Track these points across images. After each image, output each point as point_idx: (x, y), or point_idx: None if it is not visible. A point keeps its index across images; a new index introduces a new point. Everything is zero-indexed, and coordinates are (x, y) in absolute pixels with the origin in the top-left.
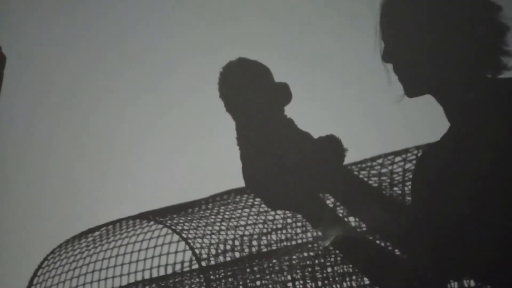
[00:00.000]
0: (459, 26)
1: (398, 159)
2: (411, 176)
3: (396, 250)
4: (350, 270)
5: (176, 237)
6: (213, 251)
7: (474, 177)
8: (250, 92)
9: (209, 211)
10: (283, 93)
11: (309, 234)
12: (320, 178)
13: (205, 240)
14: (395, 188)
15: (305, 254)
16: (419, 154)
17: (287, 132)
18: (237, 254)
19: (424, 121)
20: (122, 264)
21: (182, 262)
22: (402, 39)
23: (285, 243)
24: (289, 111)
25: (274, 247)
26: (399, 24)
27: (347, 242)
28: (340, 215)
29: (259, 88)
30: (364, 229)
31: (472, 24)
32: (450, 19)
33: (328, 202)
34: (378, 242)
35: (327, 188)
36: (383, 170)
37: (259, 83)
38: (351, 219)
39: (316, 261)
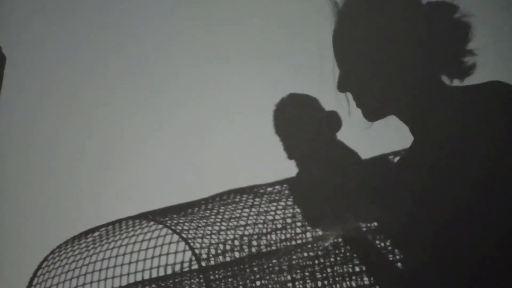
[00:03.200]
0: (414, 39)
1: (398, 159)
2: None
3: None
4: (350, 270)
5: (176, 237)
6: (213, 251)
7: (467, 179)
8: (304, 126)
9: (209, 211)
10: (333, 121)
11: (309, 234)
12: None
13: (205, 240)
14: None
15: (305, 254)
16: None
17: (343, 157)
18: (237, 254)
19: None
20: (122, 265)
21: (182, 263)
22: (359, 63)
23: (285, 243)
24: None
25: (274, 247)
26: (350, 49)
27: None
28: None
29: (311, 120)
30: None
31: (429, 31)
32: (403, 34)
33: None
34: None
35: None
36: None
37: (311, 115)
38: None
39: (316, 261)
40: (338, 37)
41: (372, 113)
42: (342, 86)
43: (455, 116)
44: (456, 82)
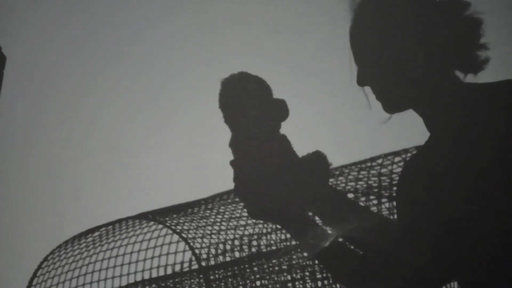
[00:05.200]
0: (431, 33)
1: (397, 159)
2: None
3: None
4: None
5: (176, 237)
6: (213, 251)
7: (469, 178)
8: (249, 107)
9: (209, 211)
10: (280, 110)
11: None
12: (309, 193)
13: (205, 240)
14: (395, 188)
15: (305, 254)
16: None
17: (280, 147)
18: (237, 254)
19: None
20: (122, 265)
21: (182, 263)
22: (376, 58)
23: (285, 243)
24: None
25: (274, 247)
26: (371, 43)
27: (327, 253)
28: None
29: (257, 104)
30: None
31: (443, 27)
32: (420, 28)
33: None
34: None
35: (314, 202)
36: (383, 170)
37: (258, 98)
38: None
39: (316, 261)
40: (355, 32)
41: (392, 106)
42: (362, 81)
43: (471, 113)
44: (470, 77)
